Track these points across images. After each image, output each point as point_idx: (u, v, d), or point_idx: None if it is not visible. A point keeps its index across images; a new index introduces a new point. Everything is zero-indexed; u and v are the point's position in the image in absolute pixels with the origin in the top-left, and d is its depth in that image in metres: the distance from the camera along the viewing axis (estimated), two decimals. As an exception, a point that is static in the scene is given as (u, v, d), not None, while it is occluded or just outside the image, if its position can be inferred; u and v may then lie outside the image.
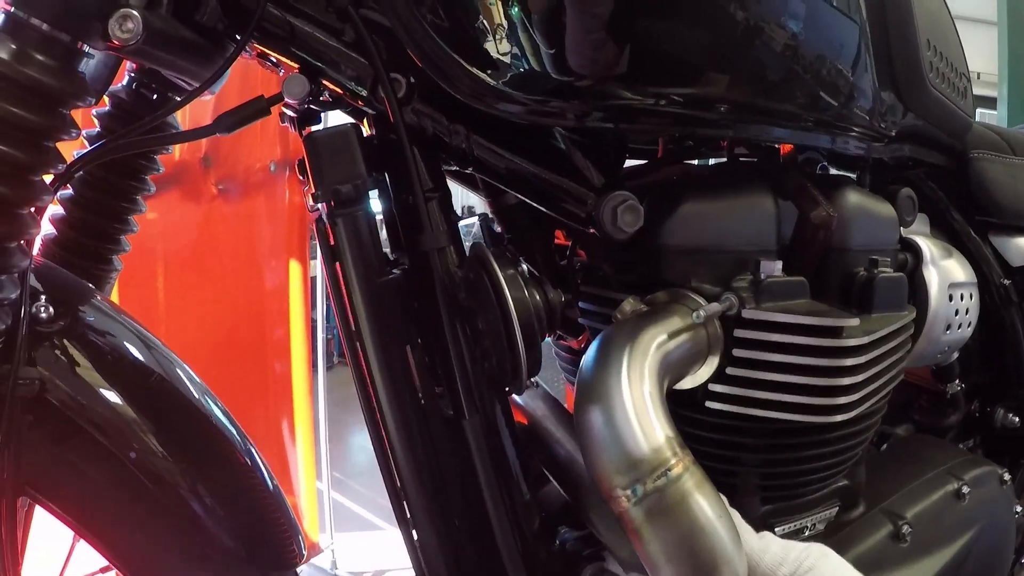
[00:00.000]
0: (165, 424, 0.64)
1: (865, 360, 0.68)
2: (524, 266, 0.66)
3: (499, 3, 0.59)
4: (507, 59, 0.60)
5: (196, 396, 0.67)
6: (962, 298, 0.94)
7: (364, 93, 0.66)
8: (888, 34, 0.78)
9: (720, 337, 0.67)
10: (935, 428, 1.13)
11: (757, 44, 0.65)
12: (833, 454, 0.76)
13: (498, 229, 0.79)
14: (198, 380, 0.69)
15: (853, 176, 0.88)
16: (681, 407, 0.72)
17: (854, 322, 0.67)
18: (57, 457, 0.61)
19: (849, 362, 0.67)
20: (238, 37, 0.66)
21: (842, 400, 0.68)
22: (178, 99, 0.77)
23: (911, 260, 0.91)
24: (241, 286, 2.29)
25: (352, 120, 0.69)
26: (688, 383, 0.68)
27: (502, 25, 0.60)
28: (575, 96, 0.61)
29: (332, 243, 0.66)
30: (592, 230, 0.67)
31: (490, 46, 0.60)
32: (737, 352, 0.67)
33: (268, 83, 1.33)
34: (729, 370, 0.68)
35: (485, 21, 0.60)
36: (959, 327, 0.94)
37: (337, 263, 0.66)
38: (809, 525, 0.83)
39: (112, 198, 0.79)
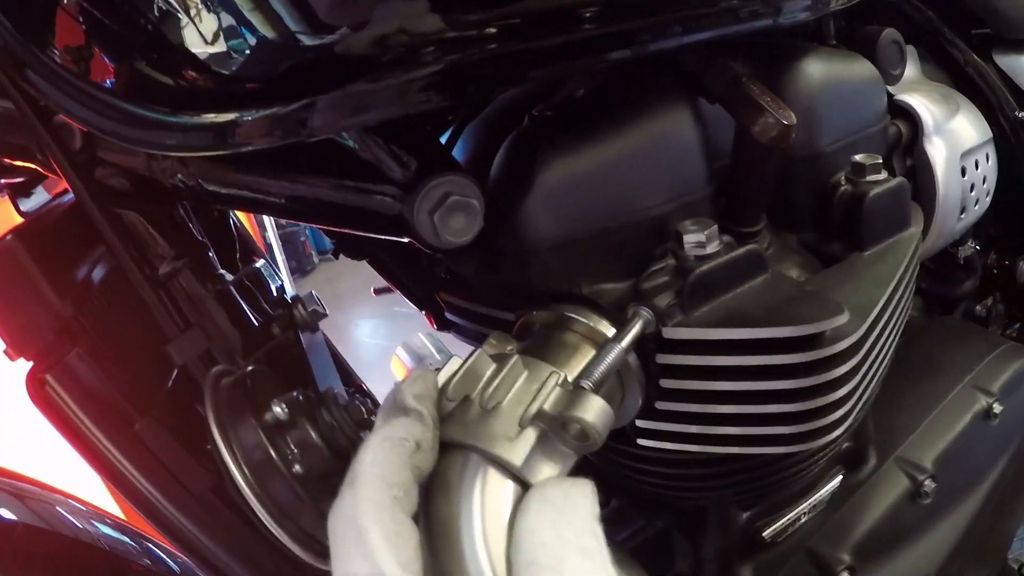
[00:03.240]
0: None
1: (860, 358, 0.45)
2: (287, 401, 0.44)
3: None
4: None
5: (79, 527, 0.63)
6: (976, 166, 0.69)
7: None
8: None
9: (636, 367, 0.43)
10: (947, 297, 0.91)
11: None
12: (816, 461, 0.55)
13: None
14: (81, 507, 0.65)
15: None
16: (612, 439, 0.49)
17: (842, 319, 0.41)
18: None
19: (839, 371, 0.43)
20: None
21: (832, 417, 0.45)
22: None
23: (906, 132, 0.65)
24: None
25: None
26: None
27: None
28: (342, 72, 0.34)
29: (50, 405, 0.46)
30: (410, 240, 0.41)
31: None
32: (665, 383, 0.43)
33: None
34: (659, 404, 0.45)
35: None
36: (976, 204, 0.70)
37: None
38: (807, 510, 0.63)
39: None
